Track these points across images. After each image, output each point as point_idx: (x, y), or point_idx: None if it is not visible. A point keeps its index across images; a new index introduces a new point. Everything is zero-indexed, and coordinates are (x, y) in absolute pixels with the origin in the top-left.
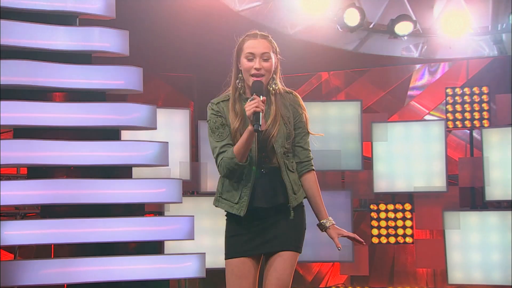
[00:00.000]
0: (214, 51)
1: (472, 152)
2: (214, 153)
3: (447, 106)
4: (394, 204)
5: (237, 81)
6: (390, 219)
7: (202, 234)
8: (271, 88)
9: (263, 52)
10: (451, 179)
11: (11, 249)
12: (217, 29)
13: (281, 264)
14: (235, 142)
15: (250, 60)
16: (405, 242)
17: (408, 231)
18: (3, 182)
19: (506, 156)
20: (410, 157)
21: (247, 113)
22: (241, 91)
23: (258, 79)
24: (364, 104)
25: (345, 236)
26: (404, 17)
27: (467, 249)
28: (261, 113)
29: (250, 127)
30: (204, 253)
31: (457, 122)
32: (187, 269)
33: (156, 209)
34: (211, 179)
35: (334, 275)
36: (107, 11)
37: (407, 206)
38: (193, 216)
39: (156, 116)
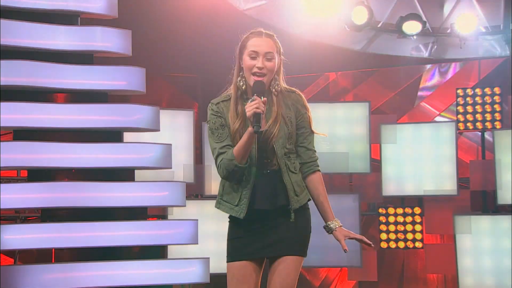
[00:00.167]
0: (219, 51)
1: (483, 155)
2: (214, 154)
3: (458, 108)
4: (403, 208)
5: (239, 79)
6: (399, 223)
7: (206, 239)
8: (273, 89)
9: (267, 52)
10: (462, 182)
11: (11, 253)
12: (221, 29)
13: (285, 269)
14: (235, 143)
15: (253, 58)
16: (414, 247)
17: (418, 236)
18: (3, 185)
19: None
20: (420, 159)
21: (247, 114)
22: (242, 89)
23: (260, 78)
24: (373, 105)
25: (352, 238)
26: (413, 16)
27: (479, 254)
28: (261, 115)
29: (250, 129)
30: (208, 258)
31: (468, 124)
32: (191, 274)
33: (159, 213)
34: (216, 182)
35: (341, 280)
36: (109, 10)
37: (417, 210)
38: (197, 220)
39: (159, 117)
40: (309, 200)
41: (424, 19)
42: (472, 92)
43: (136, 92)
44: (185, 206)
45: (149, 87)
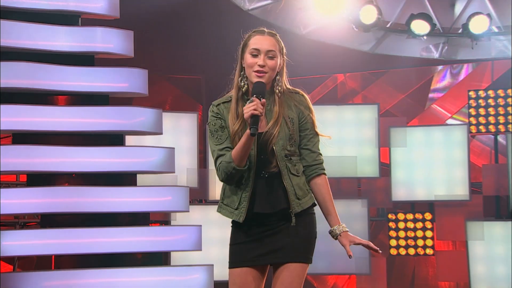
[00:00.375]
0: (223, 51)
1: (496, 158)
2: (213, 156)
3: (470, 110)
4: (414, 214)
5: (240, 79)
6: (410, 229)
7: (210, 245)
8: (276, 90)
9: (268, 49)
10: (475, 187)
11: (10, 260)
12: (226, 29)
13: (288, 276)
14: (234, 145)
15: (254, 56)
16: (425, 254)
17: (429, 242)
18: (2, 190)
19: None
20: (431, 163)
21: (245, 116)
22: (243, 90)
23: (260, 75)
24: (382, 108)
25: (358, 244)
26: (423, 16)
27: (492, 261)
28: (259, 117)
29: (248, 131)
30: (212, 265)
31: (481, 127)
32: (194, 281)
33: (162, 218)
34: (220, 187)
35: None
36: (110, 10)
37: (428, 216)
38: (201, 225)
39: (161, 120)
40: (314, 205)
41: (434, 18)
42: (485, 94)
43: (138, 94)
44: (188, 211)
45: (151, 89)
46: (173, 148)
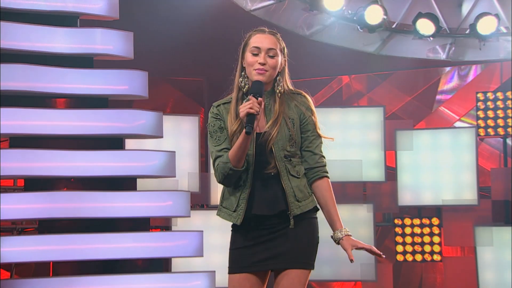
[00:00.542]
0: (225, 53)
1: (505, 162)
2: (212, 157)
3: (478, 112)
4: (421, 219)
5: (240, 79)
6: (416, 234)
7: (212, 251)
8: (277, 90)
9: (269, 48)
10: (483, 191)
11: (7, 267)
12: (227, 30)
13: (289, 283)
14: (233, 146)
15: (255, 54)
16: (432, 260)
17: (436, 248)
18: None
19: None
20: (438, 167)
21: (241, 114)
22: (244, 90)
23: (261, 72)
24: (388, 110)
25: (360, 248)
26: (429, 15)
27: (501, 268)
28: (255, 115)
29: (244, 133)
30: (214, 271)
31: (489, 130)
32: None
33: (162, 224)
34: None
35: None
36: (110, 11)
37: (435, 221)
38: (202, 231)
39: (162, 123)
40: (317, 209)
41: (441, 19)
42: (493, 96)
43: (138, 97)
44: (189, 216)
45: (152, 92)
46: (174, 151)
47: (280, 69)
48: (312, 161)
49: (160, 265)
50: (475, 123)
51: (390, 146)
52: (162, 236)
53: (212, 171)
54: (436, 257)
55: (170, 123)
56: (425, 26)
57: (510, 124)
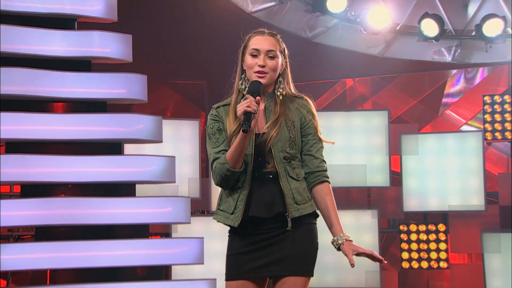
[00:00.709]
0: (227, 55)
1: None
2: (210, 160)
3: (485, 116)
4: (427, 225)
5: (241, 81)
6: (422, 241)
7: (213, 258)
8: (278, 92)
9: (268, 49)
10: (491, 196)
11: (4, 275)
12: (229, 32)
13: None
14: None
15: (254, 56)
16: (439, 267)
17: (442, 255)
18: None
19: None
20: (444, 172)
21: (238, 113)
22: (244, 93)
23: (261, 75)
24: (393, 114)
25: (361, 253)
26: (435, 16)
27: (509, 275)
28: (252, 114)
29: (242, 132)
30: (215, 279)
31: (497, 134)
32: None
33: (162, 231)
34: None
35: None
36: (108, 13)
37: (441, 227)
38: (203, 238)
39: (161, 127)
40: (316, 216)
41: (447, 20)
42: (501, 99)
43: (137, 101)
44: (190, 223)
45: (152, 96)
46: (174, 156)
47: (281, 70)
48: (312, 165)
49: (160, 273)
50: (482, 126)
51: (395, 150)
52: (162, 243)
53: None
54: (443, 264)
55: (170, 127)
56: (429, 27)
57: None
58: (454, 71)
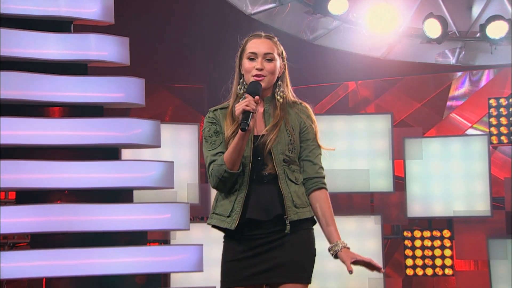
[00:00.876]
0: (226, 59)
1: None
2: (206, 162)
3: (491, 119)
4: (431, 231)
5: (239, 86)
6: (427, 247)
7: (212, 265)
8: (277, 96)
9: (266, 52)
10: (497, 201)
11: None
12: (228, 35)
13: None
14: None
15: (252, 60)
16: (444, 274)
17: (448, 262)
18: None
19: None
20: (449, 177)
21: (236, 112)
22: (241, 98)
23: (259, 79)
24: (396, 117)
25: (358, 261)
26: (439, 17)
27: None
28: (251, 113)
29: (240, 132)
30: (215, 287)
31: (503, 137)
32: None
33: (160, 237)
34: None
35: None
36: (105, 15)
37: (446, 233)
38: (202, 245)
39: (159, 132)
40: (314, 222)
41: (450, 21)
42: (507, 102)
43: (134, 105)
44: (189, 229)
45: (150, 99)
46: (172, 162)
47: (280, 74)
48: (311, 171)
49: (159, 280)
50: (487, 130)
51: (398, 155)
52: (160, 250)
53: None
54: (448, 271)
55: (168, 132)
56: (432, 28)
57: None
58: (459, 74)
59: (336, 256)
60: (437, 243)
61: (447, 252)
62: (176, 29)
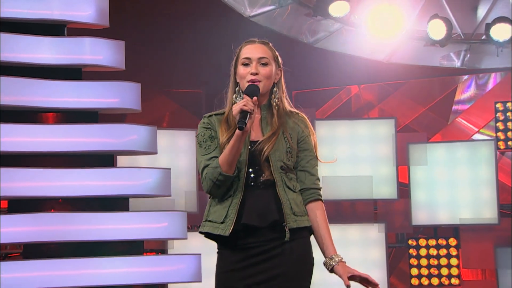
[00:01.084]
0: (224, 63)
1: None
2: (200, 167)
3: (498, 124)
4: (437, 239)
5: (235, 95)
6: (432, 256)
7: (210, 275)
8: (273, 103)
9: (260, 57)
10: (504, 209)
11: None
12: (226, 38)
13: None
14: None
15: (246, 65)
16: (450, 284)
17: (454, 271)
18: None
19: None
20: (455, 183)
21: (234, 112)
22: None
23: (255, 84)
24: (400, 122)
25: (356, 276)
26: (444, 19)
27: None
28: (248, 113)
29: (237, 131)
30: None
31: (510, 142)
32: None
33: (157, 247)
34: None
35: None
36: (99, 19)
37: (452, 242)
38: (200, 254)
39: (156, 138)
40: (311, 232)
41: (455, 23)
42: None
43: (130, 110)
44: (186, 238)
45: (147, 105)
46: (169, 169)
47: (276, 79)
48: (308, 182)
49: None
50: (494, 135)
51: (402, 161)
52: (157, 260)
53: None
54: (454, 281)
55: (165, 138)
56: (436, 29)
57: None
58: (465, 77)
59: (332, 270)
60: (443, 251)
61: (454, 261)
62: (173, 32)
